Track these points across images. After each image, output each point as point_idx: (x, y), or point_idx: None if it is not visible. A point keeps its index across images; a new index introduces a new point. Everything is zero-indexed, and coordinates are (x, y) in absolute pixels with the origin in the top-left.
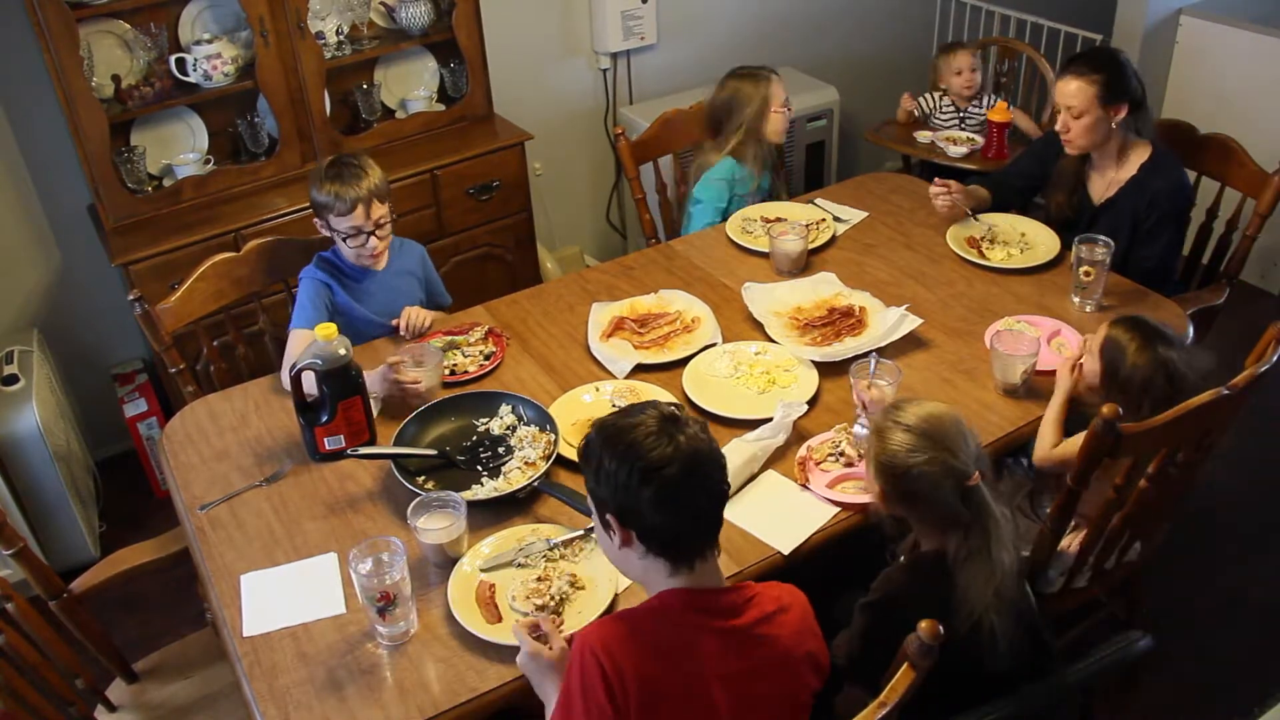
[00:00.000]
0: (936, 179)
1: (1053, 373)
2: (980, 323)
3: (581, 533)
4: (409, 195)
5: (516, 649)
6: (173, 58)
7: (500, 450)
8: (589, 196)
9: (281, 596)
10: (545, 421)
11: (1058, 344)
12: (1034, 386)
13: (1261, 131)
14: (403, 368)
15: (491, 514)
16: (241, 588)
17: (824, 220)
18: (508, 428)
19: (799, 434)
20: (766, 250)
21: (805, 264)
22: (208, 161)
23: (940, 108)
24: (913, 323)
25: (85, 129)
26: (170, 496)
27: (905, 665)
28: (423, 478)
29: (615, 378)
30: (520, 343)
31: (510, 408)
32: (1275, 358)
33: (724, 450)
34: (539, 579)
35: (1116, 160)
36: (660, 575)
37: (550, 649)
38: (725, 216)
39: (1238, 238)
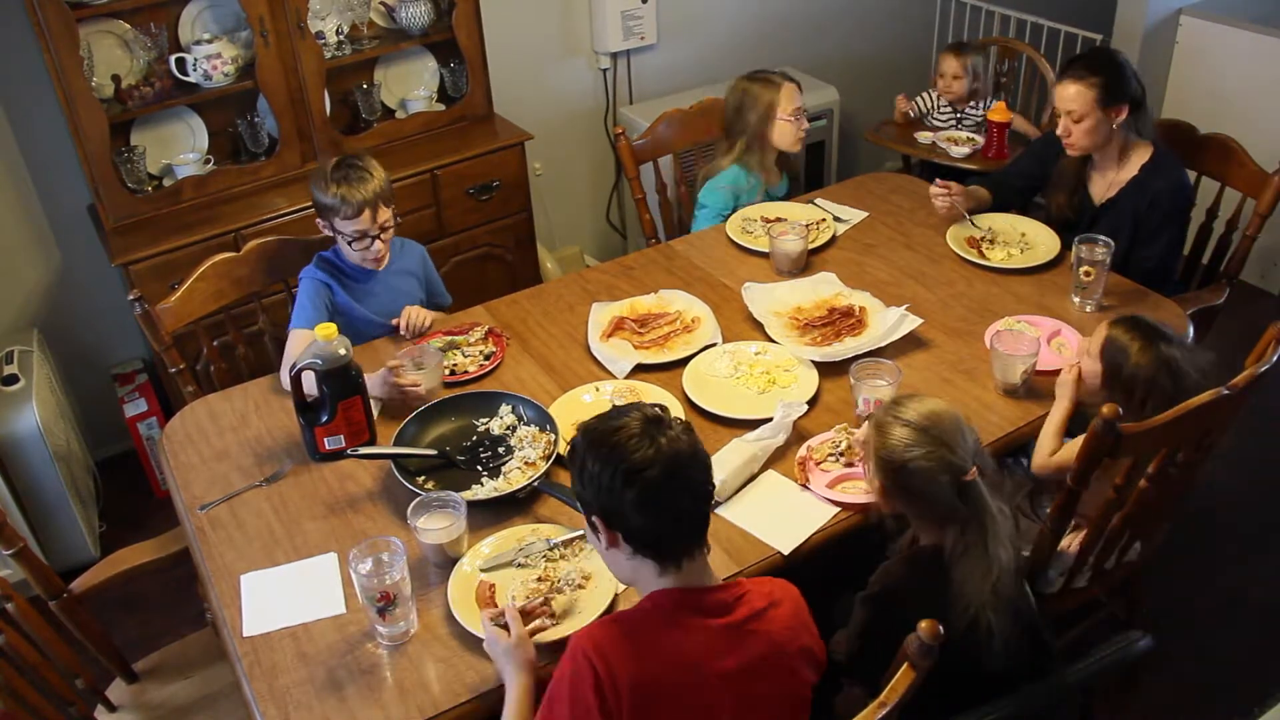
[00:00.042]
0: (937, 180)
1: (1053, 373)
2: (980, 323)
3: (581, 533)
4: (409, 195)
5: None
6: (173, 58)
7: (500, 450)
8: (589, 196)
9: (281, 596)
10: (545, 421)
11: (1058, 344)
12: (1034, 386)
13: (1261, 131)
14: (403, 370)
15: (491, 514)
16: (241, 588)
17: (824, 220)
18: (508, 428)
19: (799, 434)
20: (766, 250)
21: (805, 264)
22: (208, 161)
23: (938, 107)
24: (913, 323)
25: (85, 129)
26: (170, 496)
27: (905, 665)
28: (423, 478)
29: (615, 378)
30: (520, 343)
31: (510, 408)
32: (1275, 358)
33: (724, 450)
34: (539, 579)
35: (1117, 161)
36: (649, 575)
37: (509, 635)
38: None
39: (1238, 238)
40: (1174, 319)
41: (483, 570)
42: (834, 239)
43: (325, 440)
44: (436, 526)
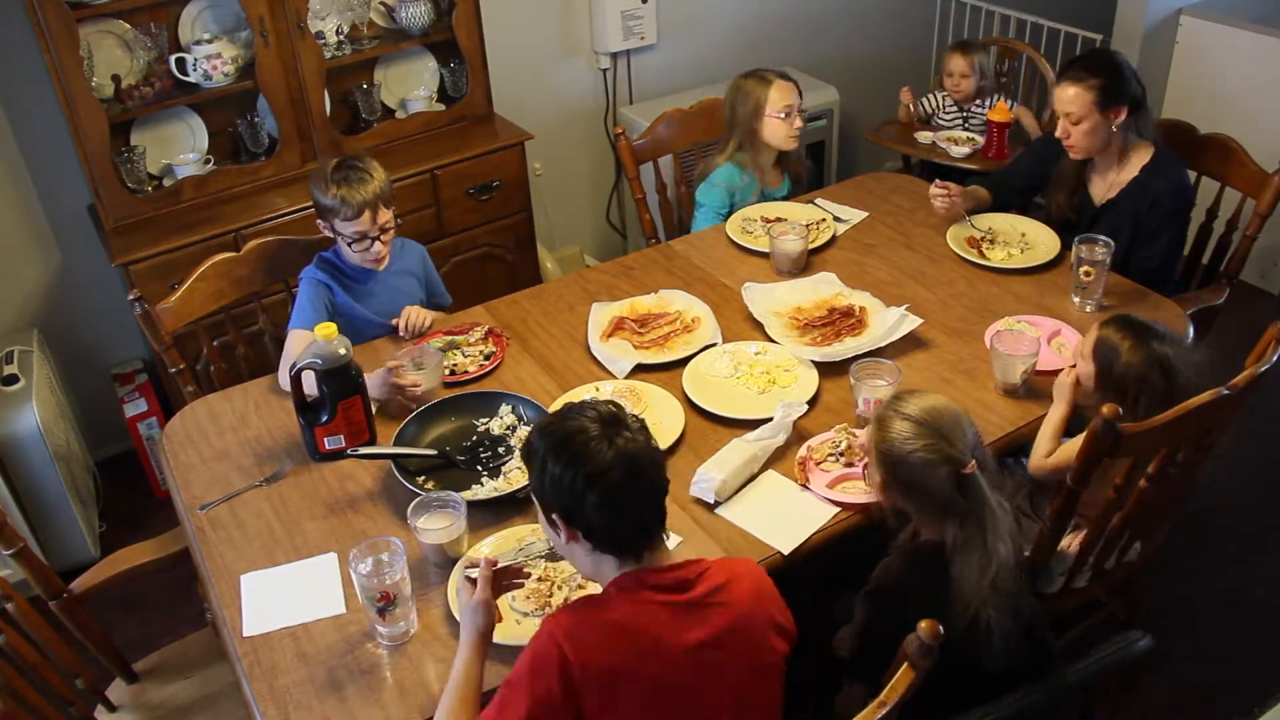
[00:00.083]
0: (937, 180)
1: (1053, 373)
2: (980, 323)
3: None
4: (409, 195)
5: (516, 649)
6: (173, 58)
7: (500, 450)
8: (589, 196)
9: (281, 596)
10: None
11: (1058, 344)
12: (1034, 386)
13: (1261, 131)
14: (402, 370)
15: (491, 514)
16: (241, 588)
17: (824, 220)
18: (508, 428)
19: (799, 434)
20: (766, 250)
21: (805, 264)
22: (208, 161)
23: (944, 108)
24: (913, 323)
25: (85, 129)
26: (170, 496)
27: (905, 665)
28: (423, 478)
29: (615, 378)
30: (520, 343)
31: (510, 408)
32: (1275, 358)
33: (724, 450)
34: (539, 579)
35: (1118, 162)
36: (610, 567)
37: (476, 592)
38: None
39: (1238, 238)
40: (1174, 319)
41: None
42: (834, 239)
43: (325, 440)
44: (436, 526)
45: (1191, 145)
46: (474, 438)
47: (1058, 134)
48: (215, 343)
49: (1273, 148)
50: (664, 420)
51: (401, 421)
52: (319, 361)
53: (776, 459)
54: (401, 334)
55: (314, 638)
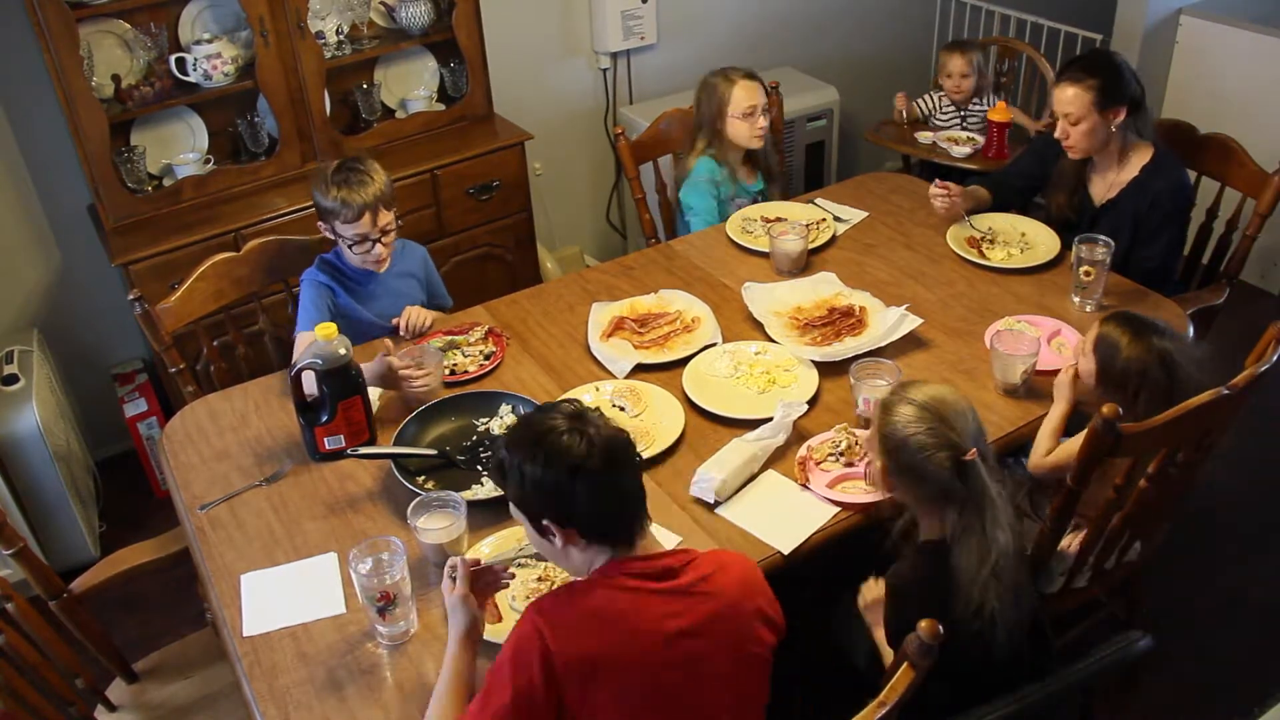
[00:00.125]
0: (937, 181)
1: (1053, 373)
2: (980, 323)
3: None
4: (409, 195)
5: None
6: (173, 57)
7: None
8: (589, 196)
9: (281, 596)
10: None
11: (1058, 344)
12: (1034, 386)
13: (1261, 131)
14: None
15: (491, 514)
16: (241, 588)
17: (824, 220)
18: (508, 428)
19: (799, 434)
20: (766, 250)
21: (805, 264)
22: (208, 161)
23: (941, 108)
24: (913, 323)
25: (85, 129)
26: (170, 496)
27: (905, 665)
28: (423, 478)
29: (615, 378)
30: (520, 343)
31: (510, 408)
32: (1275, 358)
33: (724, 450)
34: (539, 579)
35: (1118, 162)
36: (604, 559)
37: (455, 589)
38: (723, 217)
39: (1238, 238)
40: (1174, 319)
41: None
42: (834, 239)
43: (325, 440)
44: (436, 526)
45: (1191, 145)
46: (474, 438)
47: (1057, 134)
48: (215, 343)
49: (1273, 148)
50: (664, 420)
51: (401, 421)
52: (319, 361)
53: (776, 459)
54: (402, 334)
55: (314, 638)
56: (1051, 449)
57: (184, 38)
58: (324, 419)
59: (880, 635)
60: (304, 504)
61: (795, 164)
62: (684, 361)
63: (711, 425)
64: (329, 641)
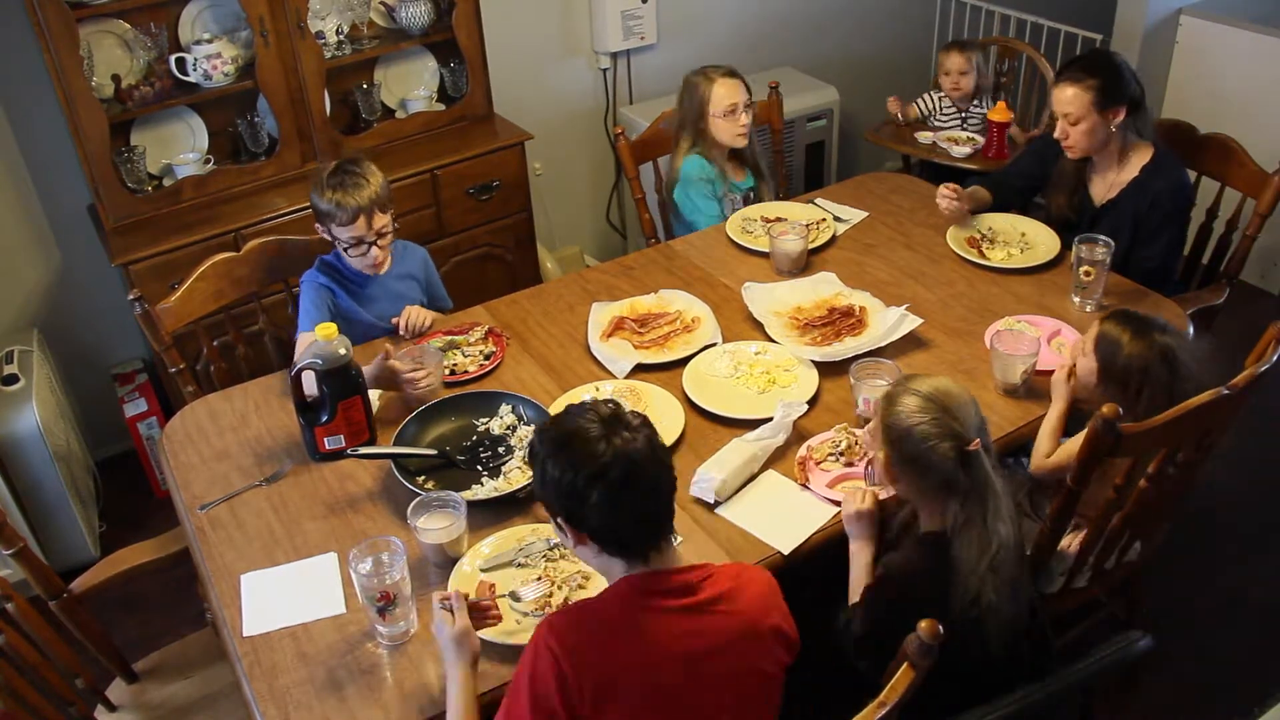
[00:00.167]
0: (945, 184)
1: (1052, 373)
2: (980, 323)
3: None
4: (409, 195)
5: (516, 649)
6: (173, 57)
7: (500, 450)
8: (589, 196)
9: (281, 596)
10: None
11: (1058, 344)
12: (1034, 386)
13: (1261, 131)
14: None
15: (491, 514)
16: (241, 588)
17: (824, 220)
18: (508, 427)
19: (799, 434)
20: (766, 250)
21: (805, 264)
22: (208, 161)
23: (941, 108)
24: (913, 323)
25: (85, 129)
26: (170, 496)
27: (905, 665)
28: (423, 478)
29: (615, 378)
30: (520, 343)
31: (510, 407)
32: (1275, 358)
33: (724, 450)
34: (539, 579)
35: (1117, 162)
36: (618, 567)
37: (454, 623)
38: (720, 215)
39: (1238, 238)
40: (1174, 319)
41: (483, 570)
42: (834, 239)
43: (325, 440)
44: (436, 526)
45: (1191, 145)
46: (474, 438)
47: (1056, 135)
48: (215, 343)
49: (1273, 148)
50: (664, 420)
51: (401, 421)
52: (319, 361)
53: (776, 459)
54: (401, 333)
55: (314, 638)
56: (1052, 449)
57: (184, 38)
58: (324, 419)
59: (856, 549)
60: (304, 504)
61: (795, 164)
62: (684, 361)
63: (711, 425)
64: (329, 641)
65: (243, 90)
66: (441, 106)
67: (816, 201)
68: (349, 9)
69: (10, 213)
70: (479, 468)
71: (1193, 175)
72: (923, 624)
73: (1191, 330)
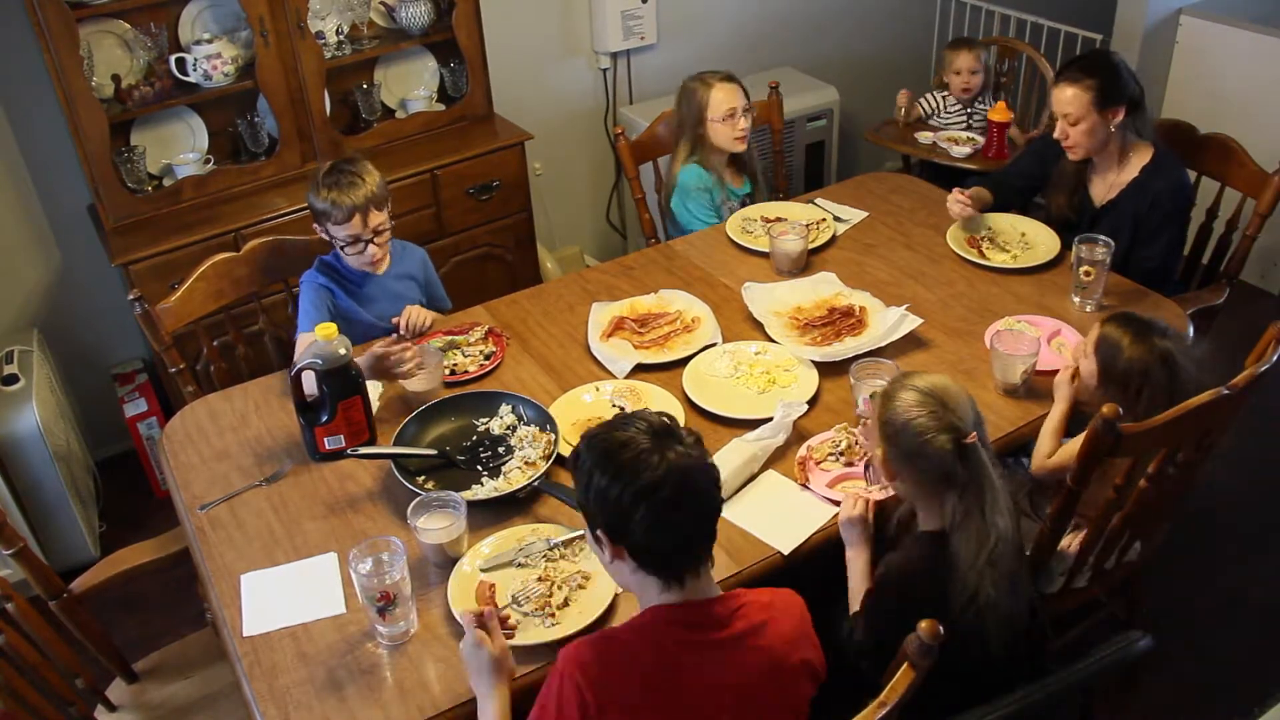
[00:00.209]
0: (957, 189)
1: (1053, 373)
2: (980, 323)
3: (581, 533)
4: (409, 195)
5: (517, 650)
6: (173, 57)
7: (500, 450)
8: (589, 196)
9: (281, 596)
10: (545, 421)
11: (1058, 344)
12: (1034, 386)
13: (1261, 131)
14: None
15: (491, 514)
16: (241, 588)
17: (824, 220)
18: (508, 427)
19: (799, 434)
20: (766, 250)
21: (805, 264)
22: (208, 161)
23: (946, 108)
24: (913, 323)
25: (85, 129)
26: (170, 496)
27: (905, 665)
28: (423, 478)
29: (615, 377)
30: (520, 343)
31: (510, 407)
32: (1275, 358)
33: (724, 450)
34: (539, 579)
35: (1117, 162)
36: (652, 590)
37: (493, 643)
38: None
39: (1238, 238)
40: (1174, 319)
41: (483, 570)
42: (834, 239)
43: (325, 440)
44: (436, 526)
45: (1191, 145)
46: (474, 438)
47: (1056, 135)
48: (215, 343)
49: (1273, 148)
50: None
51: (401, 421)
52: (319, 361)
53: (776, 459)
54: (401, 332)
55: (314, 638)
56: (1053, 450)
57: (184, 38)
58: (324, 419)
59: (852, 555)
60: (304, 504)
61: (795, 164)
62: (684, 361)
63: (711, 425)
64: (329, 641)
65: (243, 90)
66: (441, 106)
67: (816, 201)
68: (349, 9)
69: (10, 213)
70: (479, 468)
71: (1193, 175)
72: (923, 624)
73: (1191, 330)
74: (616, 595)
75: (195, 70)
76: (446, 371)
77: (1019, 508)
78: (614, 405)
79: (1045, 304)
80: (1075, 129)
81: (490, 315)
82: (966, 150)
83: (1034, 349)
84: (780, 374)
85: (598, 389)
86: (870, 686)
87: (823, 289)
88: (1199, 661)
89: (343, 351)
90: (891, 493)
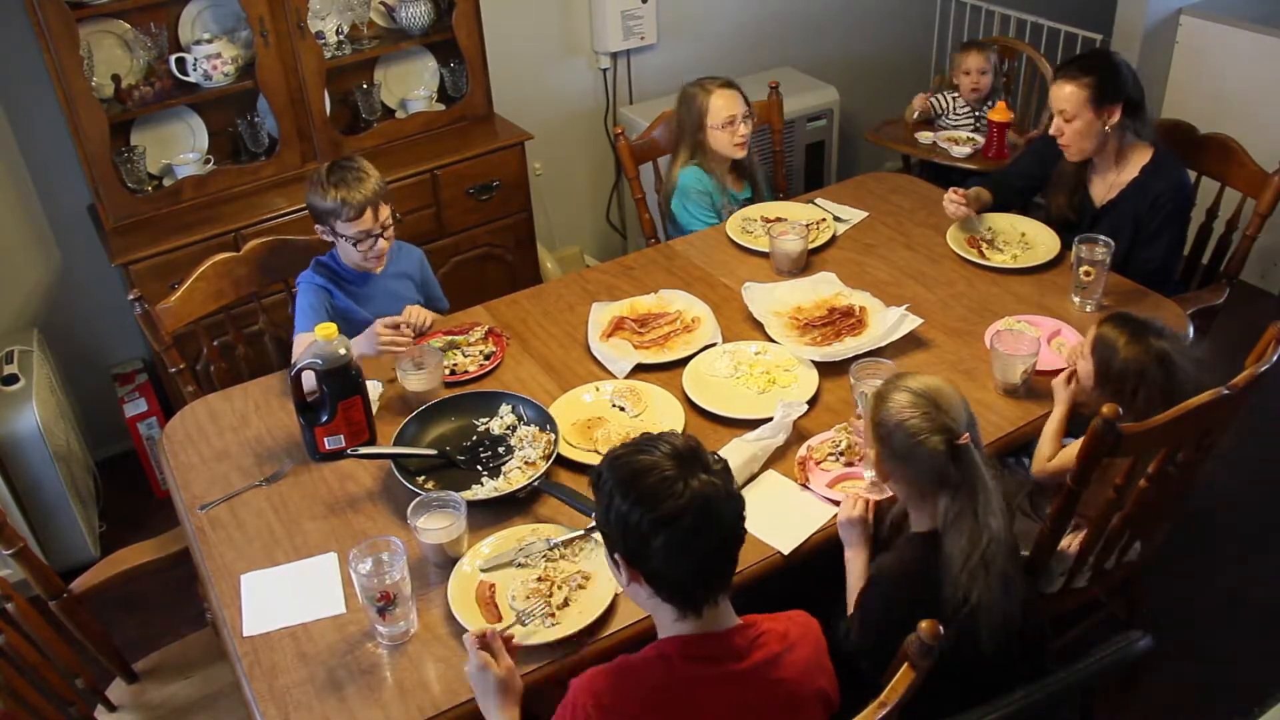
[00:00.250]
0: (954, 189)
1: (1053, 373)
2: (980, 323)
3: (582, 533)
4: (409, 195)
5: (518, 650)
6: (173, 57)
7: (500, 450)
8: (589, 196)
9: (281, 596)
10: (545, 421)
11: (1058, 344)
12: (1034, 386)
13: (1261, 131)
14: (401, 360)
15: (491, 514)
16: (241, 588)
17: (824, 220)
18: (508, 427)
19: (799, 434)
20: (766, 250)
21: (805, 264)
22: (208, 161)
23: (955, 108)
24: (913, 323)
25: (85, 129)
26: (170, 496)
27: (905, 665)
28: (423, 478)
29: (615, 378)
30: (520, 343)
31: (510, 407)
32: (1275, 358)
33: (724, 450)
34: (539, 579)
35: (1117, 163)
36: (667, 617)
37: (498, 665)
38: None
39: (1238, 238)
40: (1174, 319)
41: (483, 570)
42: (834, 239)
43: (325, 440)
44: (436, 526)
45: (1191, 145)
46: (474, 438)
47: (1052, 131)
48: (215, 343)
49: (1273, 148)
50: (664, 421)
51: (401, 421)
52: (319, 361)
53: (776, 459)
54: (403, 327)
55: (314, 638)
56: (1054, 452)
57: (184, 38)
58: (324, 419)
59: (850, 555)
60: (304, 504)
61: (795, 164)
62: (684, 361)
63: (711, 425)
64: (329, 641)
65: (243, 90)
66: (441, 106)
67: (816, 201)
68: (349, 9)
69: (10, 213)
70: (479, 468)
71: (1193, 175)
72: (923, 624)
73: (1191, 330)
74: (616, 595)
75: (195, 70)
76: (446, 371)
77: (1019, 508)
78: (614, 405)
79: (1045, 304)
80: (1070, 126)
81: (490, 315)
82: (966, 150)
83: (1034, 349)
84: (780, 374)
85: (598, 389)
86: (870, 686)
87: (823, 289)
88: (1199, 661)
89: (342, 351)
90: (890, 493)
